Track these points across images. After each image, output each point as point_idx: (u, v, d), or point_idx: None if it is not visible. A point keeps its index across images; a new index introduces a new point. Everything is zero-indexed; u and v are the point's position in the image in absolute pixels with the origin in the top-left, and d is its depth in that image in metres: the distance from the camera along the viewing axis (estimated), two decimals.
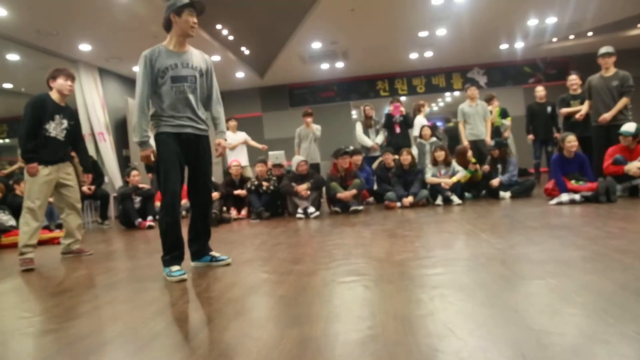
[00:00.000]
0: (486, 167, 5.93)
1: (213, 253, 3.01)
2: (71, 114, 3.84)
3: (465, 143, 6.47)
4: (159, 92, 2.74)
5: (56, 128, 3.69)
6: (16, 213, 5.17)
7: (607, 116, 5.09)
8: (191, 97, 2.78)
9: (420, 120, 7.05)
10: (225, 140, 2.99)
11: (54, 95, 3.73)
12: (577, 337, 1.38)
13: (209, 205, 3.03)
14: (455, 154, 6.11)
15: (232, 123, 7.30)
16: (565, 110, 6.01)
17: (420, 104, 7.30)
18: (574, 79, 6.01)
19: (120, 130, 8.53)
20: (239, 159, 6.91)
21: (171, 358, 1.48)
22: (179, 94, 2.75)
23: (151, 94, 2.74)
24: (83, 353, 1.59)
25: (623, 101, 5.09)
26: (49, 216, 5.50)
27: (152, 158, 2.73)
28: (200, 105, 2.88)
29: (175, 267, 2.69)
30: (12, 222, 4.99)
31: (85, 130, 7.65)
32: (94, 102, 7.72)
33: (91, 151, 7.31)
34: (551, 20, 7.96)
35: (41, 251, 4.31)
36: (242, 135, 7.48)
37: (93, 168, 6.35)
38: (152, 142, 2.77)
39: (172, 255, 2.75)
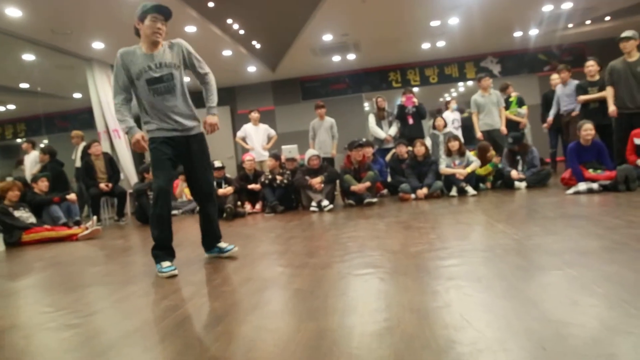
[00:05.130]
0: (497, 159, 5.81)
1: (220, 244, 3.04)
2: None
3: (479, 134, 6.40)
4: (139, 97, 2.78)
5: None
6: (35, 210, 5.29)
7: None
8: (170, 96, 2.77)
9: (447, 115, 7.23)
10: (215, 115, 2.93)
11: None
12: (598, 329, 1.35)
13: (210, 198, 3.00)
14: (477, 149, 6.03)
15: (255, 115, 7.16)
16: (582, 97, 5.86)
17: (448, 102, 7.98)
18: (591, 65, 5.83)
19: None
20: (259, 150, 6.98)
21: (189, 351, 1.50)
22: (157, 95, 2.75)
23: (128, 90, 2.77)
24: (103, 347, 1.62)
25: None
26: (66, 212, 5.57)
27: (143, 143, 2.73)
28: (183, 101, 2.83)
29: (166, 263, 2.71)
30: (32, 220, 5.08)
31: (100, 127, 7.75)
32: (108, 99, 7.79)
33: (106, 148, 7.40)
34: (567, 5, 7.77)
35: (60, 248, 4.40)
36: (263, 129, 7.28)
37: (110, 165, 6.46)
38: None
39: (162, 251, 2.78)
